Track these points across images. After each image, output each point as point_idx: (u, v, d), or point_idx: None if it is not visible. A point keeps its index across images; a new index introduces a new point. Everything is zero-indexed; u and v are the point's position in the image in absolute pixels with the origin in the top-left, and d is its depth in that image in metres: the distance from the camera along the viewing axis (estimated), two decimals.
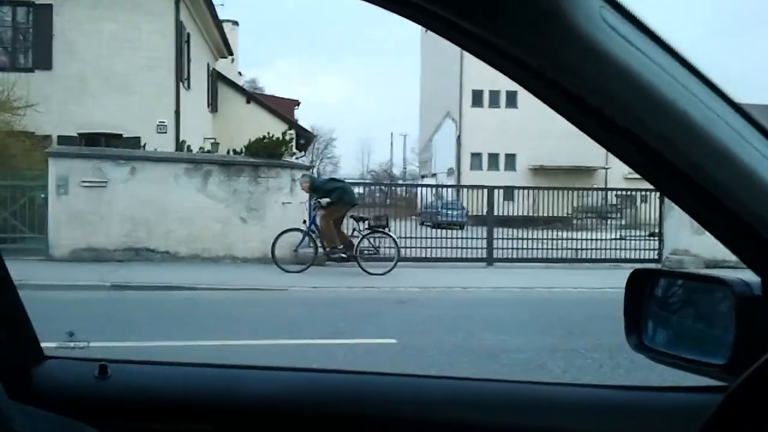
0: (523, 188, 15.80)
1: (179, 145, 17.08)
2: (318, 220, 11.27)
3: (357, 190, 18.63)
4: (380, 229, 11.65)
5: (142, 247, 11.65)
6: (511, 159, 37.98)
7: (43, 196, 11.38)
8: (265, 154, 12.56)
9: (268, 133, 12.90)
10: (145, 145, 15.31)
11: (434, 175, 40.13)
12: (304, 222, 11.44)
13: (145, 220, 11.65)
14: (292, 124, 24.41)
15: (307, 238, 11.21)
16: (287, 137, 13.18)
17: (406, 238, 13.32)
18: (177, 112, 17.21)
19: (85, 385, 1.11)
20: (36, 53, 16.59)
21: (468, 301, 9.29)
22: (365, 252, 11.47)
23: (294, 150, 14.59)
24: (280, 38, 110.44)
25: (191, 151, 16.16)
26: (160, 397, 1.13)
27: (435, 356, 5.60)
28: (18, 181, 11.73)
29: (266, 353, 5.68)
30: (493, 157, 38.35)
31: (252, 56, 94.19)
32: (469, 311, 8.29)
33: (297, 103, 29.72)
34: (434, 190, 19.36)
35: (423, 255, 13.20)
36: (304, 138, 26.95)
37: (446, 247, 13.43)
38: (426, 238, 13.59)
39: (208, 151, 15.50)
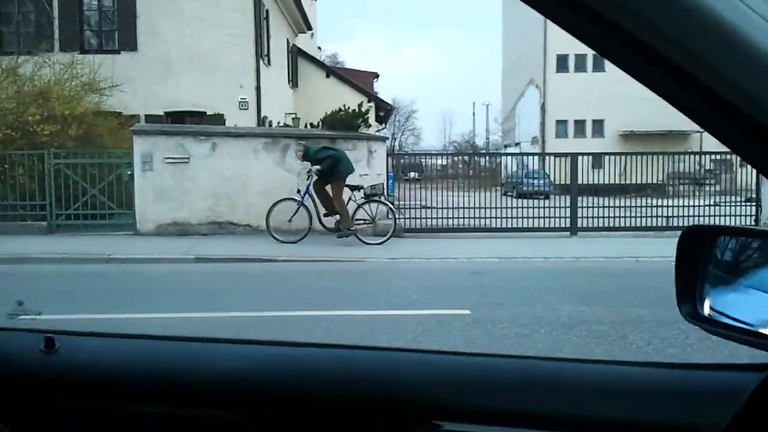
0: (611, 154, 15.12)
1: (261, 120, 17.32)
2: (335, 203, 10.87)
3: (439, 161, 18.44)
4: (376, 198, 11.18)
5: (224, 220, 11.89)
6: (598, 125, 36.61)
7: (129, 172, 11.76)
8: (341, 127, 12.53)
9: (344, 106, 12.85)
10: (225, 121, 15.60)
11: (517, 144, 39.23)
12: (298, 191, 11.09)
13: (227, 194, 11.87)
14: (371, 96, 24.34)
15: (301, 209, 10.91)
16: (363, 109, 13.06)
17: (484, 208, 13.05)
18: (258, 89, 17.43)
19: (30, 360, 1.03)
20: (121, 35, 17.10)
21: (548, 271, 8.98)
22: (361, 221, 11.13)
23: (371, 122, 14.48)
24: (359, 12, 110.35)
25: (272, 126, 16.37)
26: (111, 373, 1.03)
27: (509, 327, 5.40)
28: (106, 159, 12.17)
29: (337, 323, 5.66)
30: (580, 124, 37.07)
31: (332, 31, 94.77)
32: (549, 282, 8.01)
33: (376, 75, 29.61)
34: (517, 159, 18.84)
35: (504, 225, 12.89)
36: (384, 110, 26.83)
37: (528, 217, 13.03)
38: (507, 207, 13.25)
39: (287, 125, 15.61)
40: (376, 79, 29.66)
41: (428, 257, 9.93)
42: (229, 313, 6.03)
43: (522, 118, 40.19)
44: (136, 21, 16.88)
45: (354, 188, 11.14)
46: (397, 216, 11.27)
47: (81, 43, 16.77)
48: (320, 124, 12.93)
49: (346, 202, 10.89)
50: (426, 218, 13.08)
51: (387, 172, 13.21)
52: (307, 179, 10.89)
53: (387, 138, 14.67)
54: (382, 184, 11.59)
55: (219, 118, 16.34)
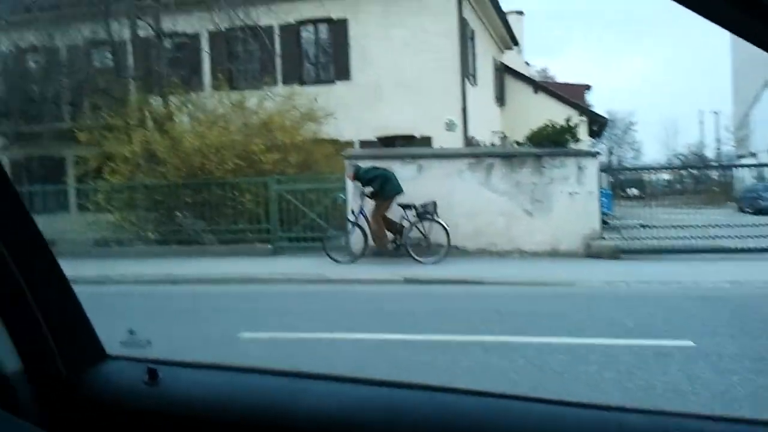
0: None
1: (467, 141, 17.36)
2: (368, 218, 11.12)
3: (663, 176, 17.20)
4: (428, 216, 11.03)
5: (431, 242, 11.96)
6: None
7: (342, 196, 12.30)
8: (548, 143, 12.10)
9: (551, 121, 12.42)
10: (432, 143, 15.85)
11: (754, 154, 35.37)
12: (353, 212, 11.41)
13: None
14: (583, 109, 23.40)
15: (356, 229, 11.22)
16: (571, 124, 12.51)
17: (714, 226, 11.83)
18: (464, 109, 17.50)
19: (133, 391, 1.02)
20: (336, 66, 18.15)
21: None
22: (415, 239, 11.11)
23: (581, 137, 13.85)
24: (570, 24, 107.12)
25: (478, 146, 16.33)
26: (209, 407, 1.00)
27: (737, 362, 4.74)
28: (321, 184, 12.89)
29: (540, 351, 5.35)
30: None
31: (541, 45, 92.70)
32: None
33: (587, 87, 28.44)
34: (753, 171, 16.95)
35: (738, 245, 11.47)
36: (598, 124, 25.65)
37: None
38: (742, 225, 11.85)
39: (493, 145, 15.47)
40: (588, 91, 28.50)
41: (648, 281, 9.17)
42: (430, 336, 5.99)
43: (758, 125, 36.27)
44: (349, 51, 17.82)
45: (406, 207, 11.15)
46: (449, 233, 10.99)
47: (300, 76, 18.04)
48: (525, 141, 12.61)
49: (398, 221, 11.12)
50: (646, 238, 12.14)
51: (600, 189, 12.49)
52: (361, 200, 11.17)
53: (599, 153, 13.91)
54: (434, 202, 11.31)
55: (427, 141, 16.64)
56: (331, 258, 11.16)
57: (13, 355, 0.95)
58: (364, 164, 11.88)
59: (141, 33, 15.10)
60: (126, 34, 15.20)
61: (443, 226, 10.99)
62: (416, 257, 10.92)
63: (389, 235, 11.22)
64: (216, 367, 1.09)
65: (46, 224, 13.78)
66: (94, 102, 15.67)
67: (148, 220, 13.53)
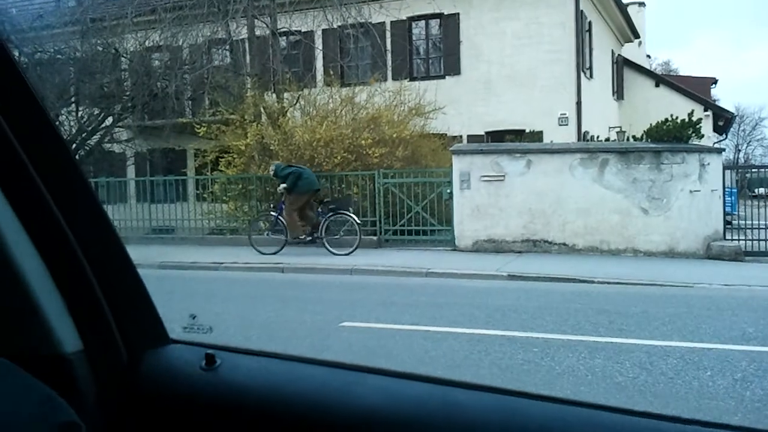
0: None
1: (581, 136, 16.80)
2: (283, 211, 11.58)
3: None
4: (341, 212, 11.47)
5: (539, 238, 11.68)
6: None
7: (448, 191, 12.23)
8: (668, 139, 11.50)
9: (672, 116, 11.78)
10: (542, 138, 15.44)
11: None
12: (274, 207, 12.06)
13: (542, 212, 11.65)
14: (707, 104, 22.08)
15: (278, 222, 11.69)
16: (694, 119, 11.82)
17: None
18: (578, 104, 16.97)
19: (190, 376, 1.00)
20: (446, 60, 18.03)
21: None
22: (330, 233, 11.55)
23: (704, 133, 13.03)
24: (696, 14, 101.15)
25: (593, 141, 15.74)
26: (264, 396, 0.96)
27: None
28: (428, 178, 12.86)
29: (650, 354, 5.08)
30: None
31: (664, 36, 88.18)
32: None
33: (714, 81, 26.80)
34: None
35: None
36: (723, 119, 24.13)
37: None
38: None
39: (607, 140, 14.87)
40: (714, 85, 26.87)
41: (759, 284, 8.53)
42: (532, 334, 5.82)
43: None
44: (460, 46, 17.66)
45: (321, 202, 11.70)
46: (359, 228, 11.48)
47: (410, 71, 18.07)
48: (643, 136, 12.03)
49: (315, 216, 11.60)
50: None
51: (724, 187, 11.75)
52: (281, 196, 11.57)
53: (724, 149, 13.08)
54: (350, 198, 12.13)
55: (537, 136, 16.25)
56: (254, 248, 11.59)
57: (74, 335, 0.96)
58: (465, 160, 11.90)
59: (258, 32, 15.61)
60: (243, 32, 15.75)
61: (355, 221, 11.38)
62: (330, 249, 11.32)
63: (303, 227, 11.55)
64: (275, 356, 1.07)
65: (167, 213, 14.63)
66: (212, 98, 16.38)
67: (260, 210, 14.00)
